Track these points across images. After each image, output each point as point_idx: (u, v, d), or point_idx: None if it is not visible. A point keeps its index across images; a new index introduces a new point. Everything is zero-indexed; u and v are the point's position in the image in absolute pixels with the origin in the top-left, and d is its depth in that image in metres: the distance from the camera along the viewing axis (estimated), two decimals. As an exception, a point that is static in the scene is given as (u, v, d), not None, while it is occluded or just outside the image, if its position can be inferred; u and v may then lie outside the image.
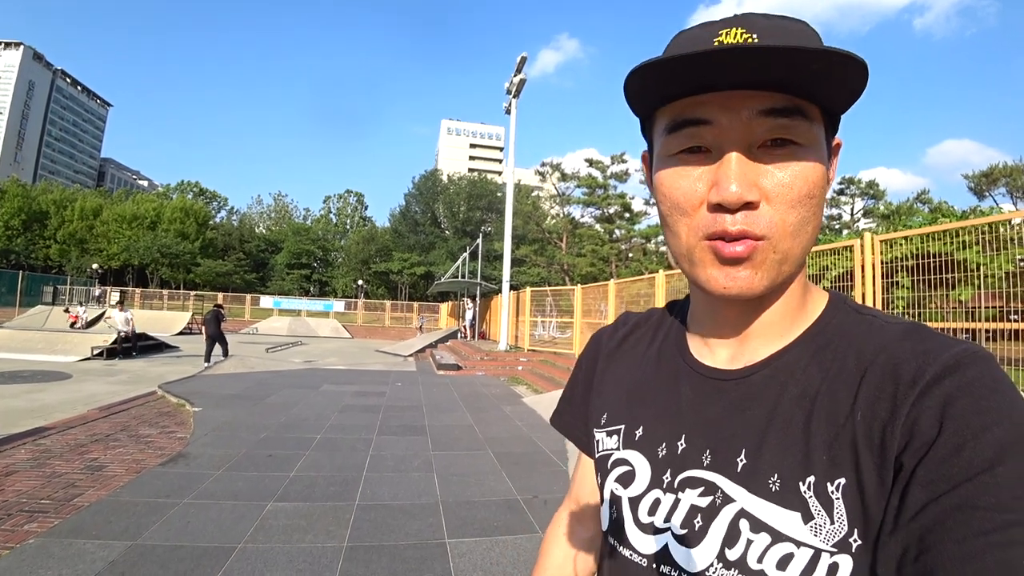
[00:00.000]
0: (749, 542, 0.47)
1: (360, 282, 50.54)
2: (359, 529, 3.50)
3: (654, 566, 0.54)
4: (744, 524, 0.48)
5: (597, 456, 0.64)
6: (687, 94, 0.47)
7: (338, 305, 41.24)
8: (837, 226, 34.66)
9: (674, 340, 0.63)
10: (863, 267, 5.62)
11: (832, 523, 0.43)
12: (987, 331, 5.22)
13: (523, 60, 16.33)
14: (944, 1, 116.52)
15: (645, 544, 0.55)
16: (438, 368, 13.42)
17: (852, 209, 35.04)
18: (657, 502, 0.55)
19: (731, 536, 0.48)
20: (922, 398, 0.41)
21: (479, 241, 24.22)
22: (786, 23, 0.48)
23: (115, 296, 32.93)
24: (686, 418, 0.55)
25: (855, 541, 0.42)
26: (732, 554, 0.47)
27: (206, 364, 12.47)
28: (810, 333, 0.52)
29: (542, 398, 8.90)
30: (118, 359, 13.32)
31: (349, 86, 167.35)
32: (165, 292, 39.12)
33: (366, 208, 75.78)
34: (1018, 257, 5.26)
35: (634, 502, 0.57)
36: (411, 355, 18.83)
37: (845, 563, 0.42)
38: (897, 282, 5.74)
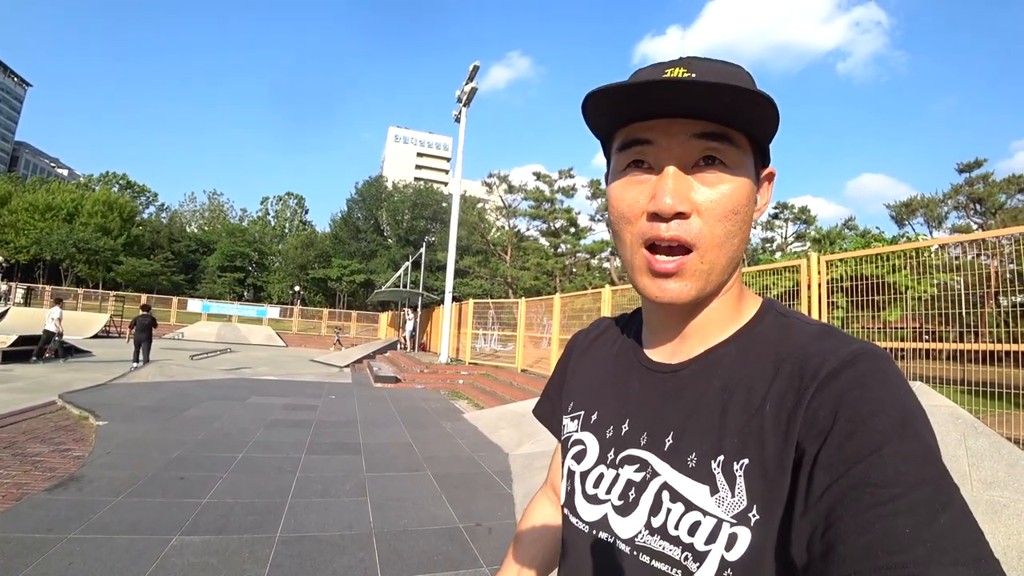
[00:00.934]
0: (668, 511, 0.54)
1: (297, 288, 48.61)
2: (280, 567, 3.09)
3: (594, 532, 0.61)
4: (665, 495, 0.55)
5: (562, 439, 0.74)
6: (635, 119, 0.55)
7: (273, 311, 39.41)
8: (772, 247, 36.27)
9: (632, 339, 0.71)
10: (808, 286, 5.69)
11: (733, 496, 0.50)
12: (913, 350, 5.40)
13: (475, 69, 16.16)
14: (862, 50, 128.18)
15: (589, 513, 0.63)
16: (375, 380, 12.88)
17: (785, 233, 36.75)
18: (601, 476, 0.63)
19: (656, 506, 0.56)
20: (821, 390, 0.48)
21: (422, 250, 23.70)
22: (722, 66, 0.57)
23: (20, 292, 30.22)
24: (631, 405, 0.64)
25: (753, 516, 0.48)
26: (656, 521, 0.55)
27: (134, 365, 12.30)
28: (739, 334, 0.59)
29: (483, 414, 8.60)
30: (46, 361, 12.76)
31: (294, 86, 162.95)
32: (81, 291, 36.22)
33: (307, 212, 73.43)
34: (936, 281, 5.49)
35: (583, 476, 0.65)
36: (347, 366, 18.10)
37: (743, 535, 0.48)
38: (834, 302, 5.88)
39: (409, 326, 21.62)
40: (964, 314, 5.20)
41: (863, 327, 5.98)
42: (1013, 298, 5.31)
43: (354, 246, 53.14)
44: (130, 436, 5.82)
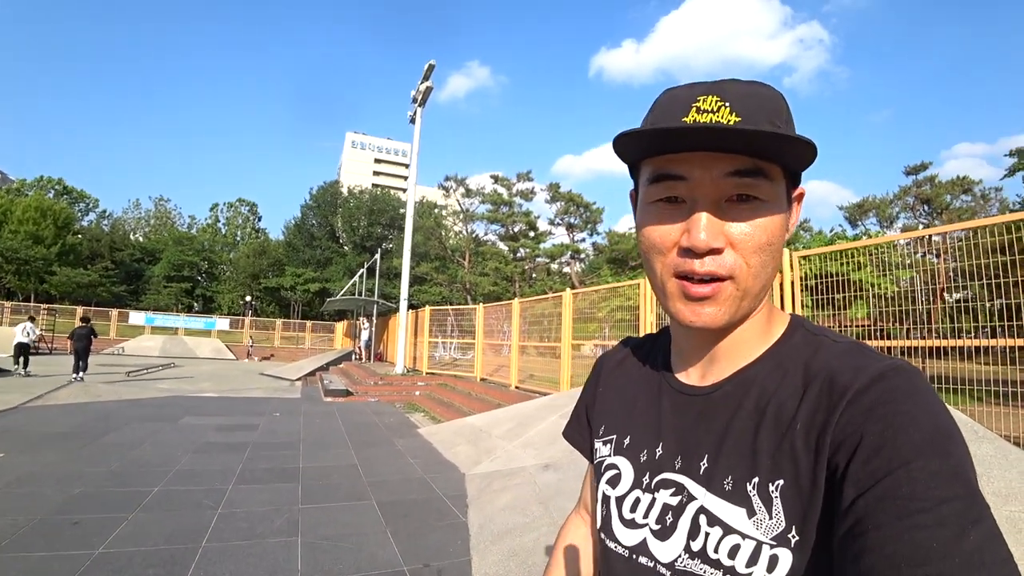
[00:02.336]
0: (707, 534, 0.54)
1: (248, 298, 46.71)
2: (174, 640, 2.51)
3: (634, 557, 0.60)
4: (703, 519, 0.55)
5: (595, 462, 0.74)
6: (666, 151, 0.54)
7: (222, 323, 37.58)
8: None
9: (661, 361, 0.70)
10: (781, 283, 5.42)
11: (771, 519, 0.50)
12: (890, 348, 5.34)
13: (431, 68, 15.65)
14: (806, 65, 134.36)
15: (627, 537, 0.62)
16: (325, 394, 12.15)
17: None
18: (637, 500, 0.63)
19: (694, 530, 0.56)
20: (850, 406, 0.48)
21: (377, 257, 22.92)
22: (757, 89, 0.55)
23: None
24: (664, 429, 0.63)
25: (793, 537, 0.48)
26: (695, 545, 0.55)
27: (75, 376, 12.32)
28: (768, 353, 0.59)
29: (440, 429, 8.05)
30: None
31: (246, 89, 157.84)
32: (8, 304, 33.77)
33: (260, 219, 70.59)
34: (899, 278, 5.75)
35: (619, 501, 0.65)
36: (299, 379, 17.24)
37: (784, 556, 0.48)
38: (794, 300, 5.71)
39: (364, 336, 20.85)
40: (920, 311, 5.41)
41: (828, 326, 5.87)
42: (957, 294, 5.44)
43: (308, 254, 51.40)
44: (26, 470, 5.05)
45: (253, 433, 7.55)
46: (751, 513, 0.51)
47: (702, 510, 0.55)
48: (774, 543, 0.49)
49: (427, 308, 15.22)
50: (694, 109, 0.54)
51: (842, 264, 5.78)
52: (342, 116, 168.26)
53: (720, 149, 0.51)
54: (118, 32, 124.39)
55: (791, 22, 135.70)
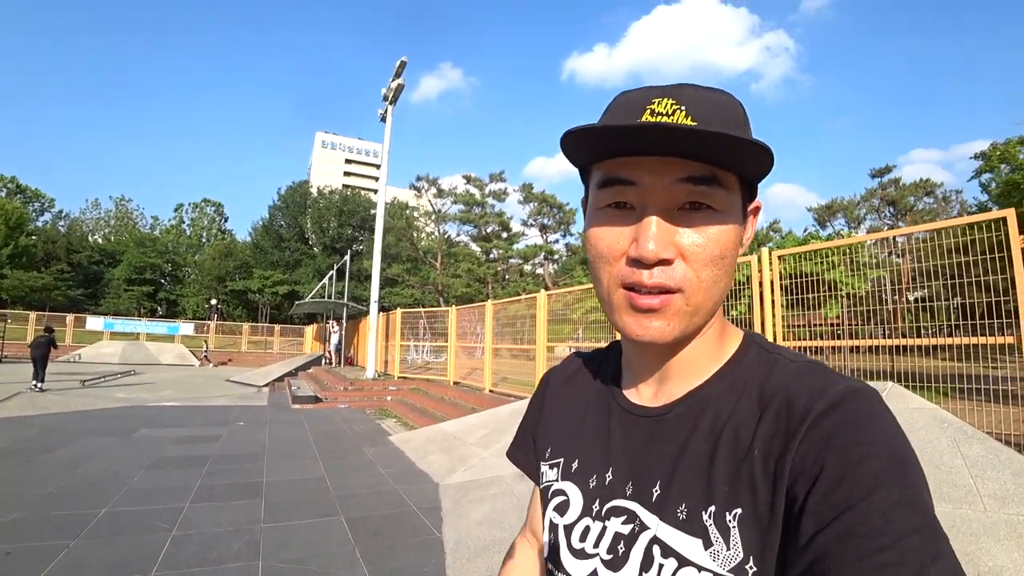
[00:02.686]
0: (660, 566, 0.51)
1: (214, 301, 45.31)
2: None
3: None
4: (656, 550, 0.52)
5: (541, 487, 0.69)
6: (617, 154, 0.51)
7: (186, 327, 36.39)
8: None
9: (610, 378, 0.67)
10: (761, 284, 5.33)
11: (728, 549, 0.48)
12: (851, 348, 5.50)
13: (402, 65, 15.34)
14: (773, 72, 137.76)
15: (576, 568, 0.58)
16: (293, 401, 11.74)
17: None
18: (587, 529, 0.59)
19: (647, 561, 0.52)
20: (810, 432, 0.46)
21: (347, 259, 22.43)
22: (713, 96, 0.53)
23: None
24: (613, 452, 0.60)
25: (751, 568, 0.46)
26: None
27: (35, 384, 12.04)
28: (721, 373, 0.57)
29: (413, 436, 7.78)
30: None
31: (213, 86, 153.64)
32: (-44, 311, 32.16)
33: (226, 220, 68.68)
34: (871, 277, 5.80)
35: (568, 529, 0.61)
36: (266, 385, 16.70)
37: None
38: (774, 300, 5.67)
39: (334, 339, 20.38)
40: (887, 310, 5.61)
41: (802, 325, 5.92)
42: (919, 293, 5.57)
43: (277, 255, 50.19)
44: (-42, 493, 4.64)
45: (214, 445, 7.17)
46: (707, 544, 0.49)
47: (655, 540, 0.53)
48: (731, 575, 0.47)
49: (398, 311, 14.90)
50: (648, 111, 0.52)
51: (816, 264, 5.80)
52: (312, 116, 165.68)
53: (673, 153, 0.49)
54: (75, 23, 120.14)
55: (758, 30, 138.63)
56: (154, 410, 10.43)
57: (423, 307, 18.99)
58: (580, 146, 0.52)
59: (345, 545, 3.85)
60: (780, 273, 5.46)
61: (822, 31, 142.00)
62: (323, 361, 21.00)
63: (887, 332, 5.48)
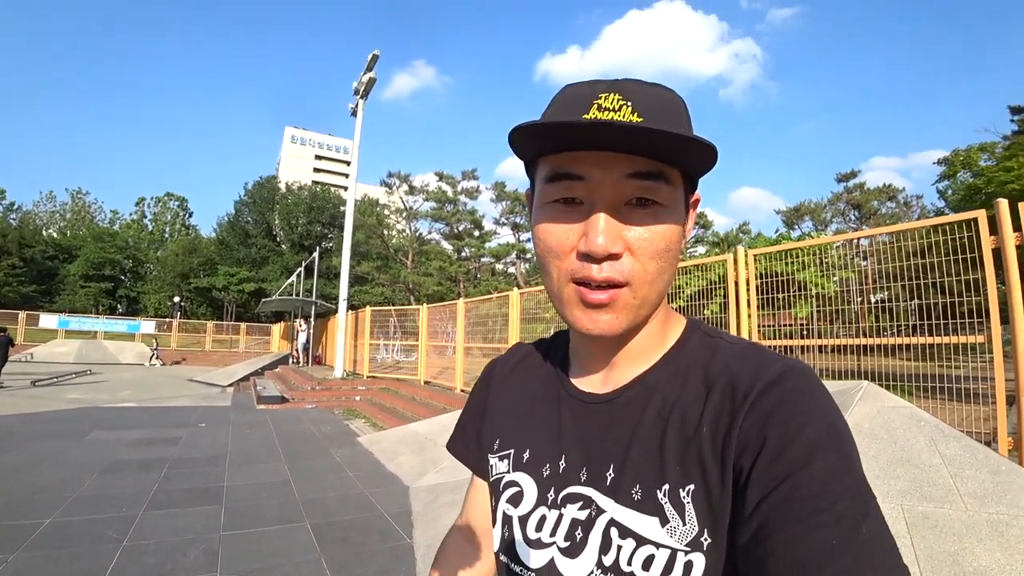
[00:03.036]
0: (619, 547, 0.53)
1: (176, 299, 43.92)
2: None
3: None
4: (614, 531, 0.54)
5: (491, 480, 0.68)
6: (564, 149, 0.52)
7: (147, 325, 35.23)
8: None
9: (558, 368, 0.68)
10: (737, 283, 5.32)
11: (684, 524, 0.50)
12: (819, 347, 5.60)
13: (374, 58, 15.09)
14: (741, 78, 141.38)
15: (534, 559, 0.59)
16: (258, 402, 11.40)
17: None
18: (543, 518, 0.60)
19: (605, 543, 0.54)
20: (752, 410, 0.49)
21: (315, 255, 21.98)
22: (657, 92, 0.54)
23: None
24: (565, 440, 0.61)
25: (705, 540, 0.49)
26: (607, 560, 0.53)
27: None
28: (666, 359, 0.59)
29: (382, 436, 7.60)
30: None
31: (179, 77, 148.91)
32: None
33: (190, 215, 66.66)
34: (836, 279, 5.95)
35: (523, 520, 0.61)
36: (231, 385, 16.24)
37: (698, 560, 0.49)
38: (749, 300, 5.70)
39: (302, 338, 19.96)
40: (854, 310, 5.73)
41: (770, 325, 5.98)
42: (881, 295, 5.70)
43: (243, 252, 48.91)
44: None
45: (173, 448, 6.87)
46: (664, 521, 0.51)
47: (612, 522, 0.54)
48: (688, 549, 0.49)
49: (368, 308, 14.63)
50: (595, 106, 0.52)
51: (787, 264, 5.85)
52: (283, 111, 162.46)
53: (621, 149, 0.50)
54: (31, 8, 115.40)
55: (727, 37, 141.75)
56: (110, 411, 10.00)
57: (393, 305, 18.69)
58: (529, 141, 0.53)
59: (310, 552, 3.68)
60: (757, 272, 5.49)
61: (788, 40, 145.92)
62: (290, 360, 20.55)
63: (857, 332, 5.57)
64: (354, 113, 16.23)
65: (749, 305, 5.32)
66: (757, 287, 5.43)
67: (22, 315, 30.59)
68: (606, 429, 0.58)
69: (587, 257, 0.51)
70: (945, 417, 3.89)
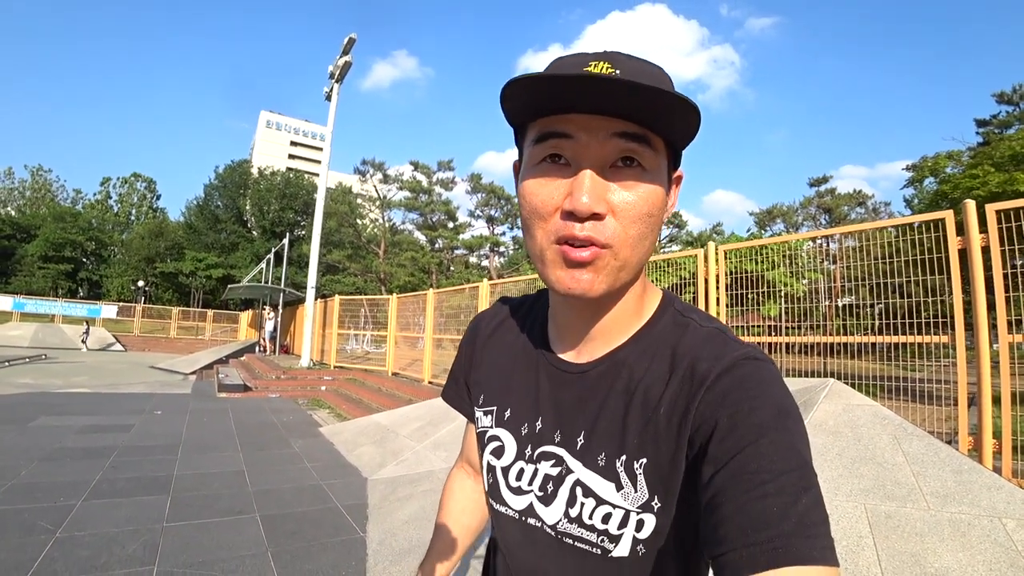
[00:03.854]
0: (582, 504, 0.60)
1: (140, 283, 42.63)
2: None
3: (523, 518, 0.67)
4: (579, 490, 0.61)
5: (477, 431, 0.76)
6: (555, 111, 0.53)
7: (109, 310, 34.16)
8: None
9: (538, 333, 0.72)
10: (707, 279, 5.28)
11: (636, 491, 0.57)
12: (786, 345, 5.58)
13: (351, 42, 14.74)
14: (718, 84, 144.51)
15: (516, 502, 0.68)
16: (220, 390, 11.07)
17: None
18: (522, 471, 0.68)
19: (571, 498, 0.62)
20: (707, 393, 0.53)
21: (286, 242, 21.51)
22: (645, 65, 0.56)
23: None
24: (543, 404, 0.67)
25: (656, 504, 0.56)
26: (572, 512, 0.61)
27: None
28: (638, 336, 0.62)
29: (345, 427, 7.42)
30: None
31: (151, 56, 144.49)
32: None
33: (158, 197, 64.52)
34: (807, 280, 6.06)
35: (505, 471, 0.70)
36: (193, 372, 15.79)
37: (649, 519, 0.57)
38: (719, 299, 5.69)
39: (269, 326, 19.53)
40: (823, 309, 5.83)
41: (741, 323, 6.00)
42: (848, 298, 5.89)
43: (212, 237, 47.75)
44: None
45: (124, 435, 6.58)
46: (619, 487, 0.58)
47: (578, 482, 0.61)
48: (640, 511, 0.57)
49: (337, 297, 14.35)
50: (586, 72, 0.51)
51: (758, 263, 5.86)
52: (258, 96, 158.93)
53: (609, 109, 0.51)
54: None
55: (707, 43, 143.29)
56: (60, 397, 9.58)
57: (364, 295, 18.39)
58: (520, 96, 0.53)
59: (257, 546, 3.51)
60: (727, 271, 5.46)
61: (764, 49, 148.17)
62: (257, 349, 20.10)
63: (823, 331, 5.61)
64: (328, 97, 15.87)
65: (719, 303, 5.28)
66: (727, 285, 5.41)
67: (-26, 295, 29.33)
68: (578, 399, 0.63)
69: (571, 216, 0.53)
70: (908, 417, 3.90)
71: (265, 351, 19.49)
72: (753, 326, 6.09)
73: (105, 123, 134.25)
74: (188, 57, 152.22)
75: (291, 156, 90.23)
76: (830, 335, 5.19)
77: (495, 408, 0.73)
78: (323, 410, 9.69)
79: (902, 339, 4.20)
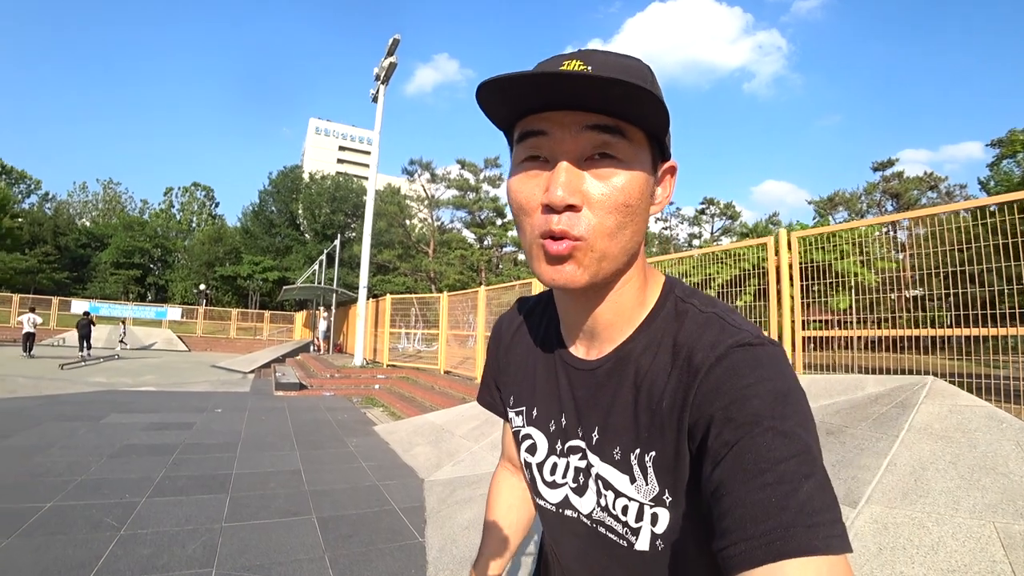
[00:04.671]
0: (605, 496, 0.63)
1: (202, 287, 44.48)
2: None
3: (560, 511, 0.70)
4: (600, 483, 0.63)
5: (512, 430, 0.79)
6: (531, 111, 0.55)
7: (174, 312, 35.74)
8: (697, 243, 36.70)
9: (554, 331, 0.73)
10: (777, 267, 4.89)
11: (647, 485, 0.58)
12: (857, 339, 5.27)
13: (395, 43, 14.76)
14: (764, 71, 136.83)
15: (552, 496, 0.71)
16: (276, 388, 11.26)
17: (712, 228, 37.37)
18: (555, 465, 0.70)
19: (597, 491, 0.64)
20: (701, 385, 0.53)
21: (337, 243, 21.87)
22: (618, 59, 0.56)
23: None
24: (564, 401, 0.68)
25: (667, 498, 0.57)
26: (602, 502, 0.63)
27: (82, 354, 16.89)
28: (642, 327, 0.62)
29: (399, 426, 7.35)
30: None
31: (204, 70, 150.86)
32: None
33: (216, 205, 67.43)
34: (881, 269, 5.63)
35: (539, 467, 0.72)
36: (252, 371, 16.23)
37: (663, 513, 0.57)
38: (792, 295, 5.30)
39: (322, 326, 19.90)
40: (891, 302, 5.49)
41: (814, 317, 5.58)
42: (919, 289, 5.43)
43: (267, 241, 49.29)
44: None
45: (186, 433, 6.71)
46: (632, 480, 0.59)
47: (598, 476, 0.63)
48: (652, 504, 0.58)
49: (388, 297, 14.42)
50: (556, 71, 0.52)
51: (827, 252, 5.45)
52: (306, 102, 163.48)
53: (578, 103, 0.52)
54: (63, 9, 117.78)
55: (751, 29, 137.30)
56: (129, 395, 9.94)
57: (414, 294, 18.50)
58: (491, 98, 0.54)
59: (314, 549, 3.41)
60: (800, 259, 5.05)
61: (812, 31, 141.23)
62: (312, 348, 20.53)
63: (891, 324, 5.15)
64: (375, 99, 15.97)
65: (792, 299, 4.87)
66: (800, 275, 5.01)
67: (55, 301, 31.13)
68: (592, 395, 0.65)
69: (549, 209, 0.53)
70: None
71: (319, 350, 19.87)
72: (816, 320, 5.64)
73: (165, 134, 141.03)
74: (242, 69, 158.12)
75: (340, 160, 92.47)
76: (913, 328, 4.74)
77: (524, 408, 0.75)
78: (377, 408, 9.69)
79: (998, 332, 3.74)
